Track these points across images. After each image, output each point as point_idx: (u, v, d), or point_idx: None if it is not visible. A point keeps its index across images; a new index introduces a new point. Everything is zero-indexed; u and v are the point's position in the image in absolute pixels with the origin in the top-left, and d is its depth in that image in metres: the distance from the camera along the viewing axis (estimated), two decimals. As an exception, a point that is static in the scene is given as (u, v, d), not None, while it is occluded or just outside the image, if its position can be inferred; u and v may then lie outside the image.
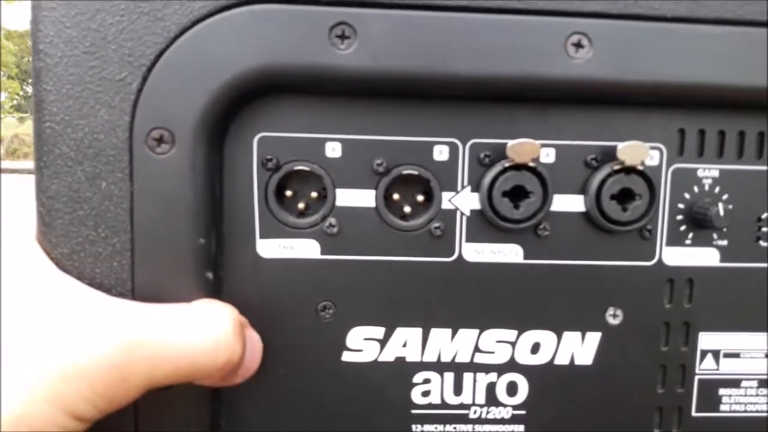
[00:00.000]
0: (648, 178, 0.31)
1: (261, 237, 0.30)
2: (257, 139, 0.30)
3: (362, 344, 0.31)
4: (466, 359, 0.32)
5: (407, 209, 0.31)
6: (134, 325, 0.24)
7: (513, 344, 0.32)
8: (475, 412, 0.32)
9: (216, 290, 0.29)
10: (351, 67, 0.28)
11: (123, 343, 0.23)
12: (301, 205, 0.31)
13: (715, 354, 0.33)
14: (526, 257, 0.32)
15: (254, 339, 0.29)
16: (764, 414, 0.33)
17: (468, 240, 0.31)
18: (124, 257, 0.27)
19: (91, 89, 0.27)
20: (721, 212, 0.30)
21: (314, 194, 0.31)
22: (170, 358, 0.24)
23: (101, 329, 0.24)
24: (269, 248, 0.30)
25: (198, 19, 0.27)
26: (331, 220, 0.30)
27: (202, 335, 0.25)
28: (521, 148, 0.29)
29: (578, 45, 0.28)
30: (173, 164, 0.27)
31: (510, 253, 0.31)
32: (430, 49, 0.28)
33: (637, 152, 0.30)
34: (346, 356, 0.31)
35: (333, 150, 0.30)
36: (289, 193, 0.31)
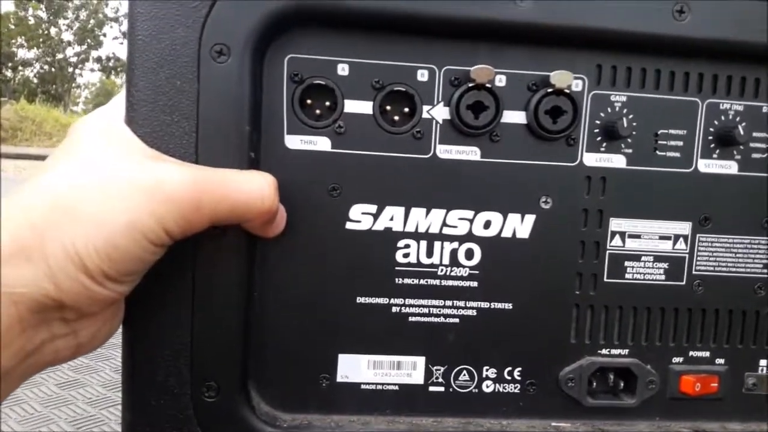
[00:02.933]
0: (573, 99, 0.42)
1: (288, 133, 0.42)
2: (287, 59, 0.41)
3: (360, 217, 0.43)
4: (436, 231, 0.44)
5: (396, 118, 0.43)
6: (205, 171, 0.36)
7: (471, 221, 0.44)
8: (441, 270, 0.44)
9: (256, 169, 0.40)
10: (358, 6, 0.39)
11: (198, 181, 0.34)
12: (318, 111, 0.42)
13: (622, 235, 0.45)
14: (482, 156, 0.43)
15: (281, 208, 0.41)
16: (658, 281, 0.45)
17: (441, 142, 0.43)
18: (190, 137, 0.39)
19: (173, 13, 0.38)
20: (625, 124, 0.42)
21: (328, 103, 0.42)
22: (230, 198, 0.35)
23: (183, 170, 0.35)
24: (294, 142, 0.42)
25: None
26: (340, 122, 0.42)
27: (251, 186, 0.36)
28: (481, 71, 0.41)
29: None
30: (229, 71, 0.38)
31: (471, 153, 0.43)
32: None
33: (564, 78, 0.41)
34: (349, 225, 0.43)
35: (343, 70, 0.41)
36: (309, 101, 0.42)
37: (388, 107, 0.42)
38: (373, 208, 0.43)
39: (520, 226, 0.44)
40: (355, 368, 0.44)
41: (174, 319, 0.40)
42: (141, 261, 0.34)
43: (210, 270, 0.40)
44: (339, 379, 0.44)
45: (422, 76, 0.42)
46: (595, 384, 0.46)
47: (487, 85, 0.41)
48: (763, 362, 0.47)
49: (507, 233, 0.44)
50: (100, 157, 0.35)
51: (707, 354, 0.46)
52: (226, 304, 0.40)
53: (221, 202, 0.35)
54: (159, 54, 0.38)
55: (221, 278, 0.40)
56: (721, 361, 0.47)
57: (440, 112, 0.42)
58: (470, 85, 0.41)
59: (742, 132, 0.43)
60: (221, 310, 0.40)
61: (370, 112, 0.42)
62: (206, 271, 0.40)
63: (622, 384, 0.46)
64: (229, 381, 0.41)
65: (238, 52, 0.38)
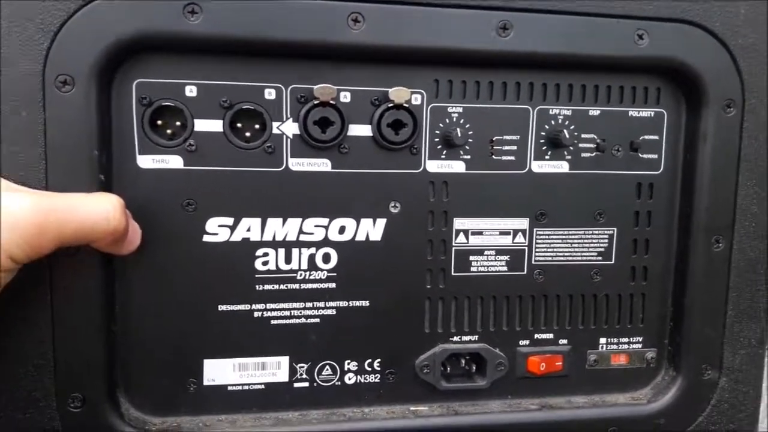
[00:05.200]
0: (412, 112, 0.46)
1: (140, 153, 0.44)
2: (135, 84, 0.43)
3: (217, 229, 0.46)
4: (294, 238, 0.47)
5: (248, 134, 0.45)
6: (49, 197, 0.38)
7: (326, 227, 0.47)
8: (300, 274, 0.48)
9: (107, 191, 0.43)
10: (198, 32, 0.41)
11: (41, 206, 0.36)
12: (169, 131, 0.44)
13: (465, 232, 0.49)
14: (333, 167, 0.46)
15: (135, 226, 0.43)
16: (501, 272, 0.50)
17: (292, 156, 0.46)
18: (40, 164, 0.40)
19: (15, 47, 0.39)
20: (459, 134, 0.46)
21: (178, 123, 0.44)
22: (75, 221, 0.38)
23: (25, 198, 0.36)
24: (146, 161, 0.44)
25: (91, 0, 0.40)
26: (191, 141, 0.44)
27: (96, 208, 0.38)
28: (323, 90, 0.44)
29: (355, 20, 0.43)
30: (74, 99, 0.40)
31: (322, 164, 0.46)
32: (254, 22, 0.42)
33: (401, 94, 0.45)
34: (206, 238, 0.46)
35: (191, 91, 0.44)
36: (160, 122, 0.44)
37: (239, 124, 0.45)
38: (229, 221, 0.46)
39: (372, 229, 0.48)
40: (221, 372, 0.47)
41: (34, 335, 0.42)
42: None
43: (67, 287, 0.42)
44: (206, 383, 0.47)
45: (269, 94, 0.45)
46: (449, 369, 0.50)
47: (332, 102, 0.44)
48: (602, 340, 0.53)
49: (361, 237, 0.48)
50: None
51: (551, 336, 0.51)
52: (86, 319, 0.43)
53: (65, 225, 0.37)
54: (3, 87, 0.39)
55: (78, 295, 0.42)
56: (565, 341, 0.52)
57: (290, 128, 0.45)
58: (315, 102, 0.44)
59: (567, 135, 0.47)
60: (81, 324, 0.43)
61: (221, 129, 0.44)
62: (63, 289, 0.42)
63: (474, 368, 0.51)
64: (95, 391, 0.43)
65: (83, 82, 0.40)
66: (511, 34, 0.45)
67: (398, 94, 0.45)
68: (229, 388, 0.48)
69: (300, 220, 0.47)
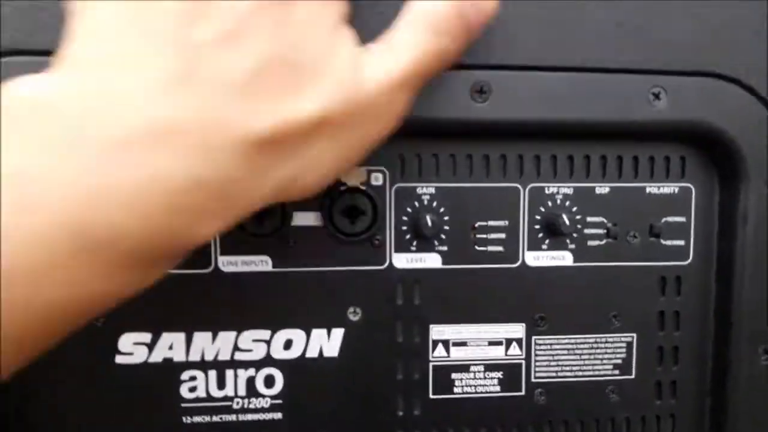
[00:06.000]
0: (371, 196, 0.37)
1: None
2: None
3: (132, 348, 0.37)
4: (227, 357, 0.38)
5: None
6: None
7: (268, 342, 0.38)
8: (237, 403, 0.38)
9: None
10: None
11: None
12: None
13: (445, 343, 0.39)
14: (275, 266, 0.38)
15: None
16: (493, 394, 0.40)
17: (222, 253, 0.37)
18: None
19: None
20: (429, 223, 0.37)
21: None
22: None
23: None
24: None
25: None
26: None
27: None
28: (257, 173, 0.35)
29: None
30: None
31: (260, 263, 0.37)
32: None
33: (355, 175, 0.36)
34: (119, 359, 0.37)
35: None
36: None
37: None
38: (147, 337, 0.37)
39: (327, 343, 0.38)
40: None
41: None
42: None
43: None
44: None
45: None
46: None
47: None
48: None
49: (312, 353, 0.38)
50: None
51: None
52: None
53: None
54: None
55: None
56: None
57: None
58: None
59: (567, 221, 0.38)
60: None
61: None
62: None
63: None
64: None
65: None
66: (488, 99, 0.36)
67: (351, 174, 0.36)
68: None
69: (234, 333, 0.38)
